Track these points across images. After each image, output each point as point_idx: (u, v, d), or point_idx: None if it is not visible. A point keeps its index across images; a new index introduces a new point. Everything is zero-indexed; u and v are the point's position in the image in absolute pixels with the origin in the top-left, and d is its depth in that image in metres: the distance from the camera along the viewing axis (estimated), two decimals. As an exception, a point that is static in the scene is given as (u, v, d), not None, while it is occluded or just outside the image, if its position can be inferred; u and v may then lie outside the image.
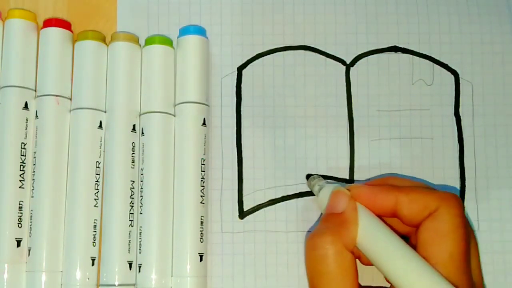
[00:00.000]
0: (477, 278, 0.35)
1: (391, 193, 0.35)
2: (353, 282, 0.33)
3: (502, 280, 0.40)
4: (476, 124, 0.42)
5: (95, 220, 0.38)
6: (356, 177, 0.41)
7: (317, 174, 0.40)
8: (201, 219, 0.39)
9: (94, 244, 0.38)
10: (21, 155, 0.38)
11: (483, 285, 0.36)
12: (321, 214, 0.38)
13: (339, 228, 0.34)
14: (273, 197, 0.41)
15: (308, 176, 0.40)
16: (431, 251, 0.33)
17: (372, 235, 0.34)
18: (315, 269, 0.33)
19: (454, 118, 0.42)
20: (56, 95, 0.39)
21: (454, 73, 0.42)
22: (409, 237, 0.36)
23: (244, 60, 0.42)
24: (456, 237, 0.33)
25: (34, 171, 0.38)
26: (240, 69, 0.42)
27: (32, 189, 0.38)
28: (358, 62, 0.43)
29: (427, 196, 0.34)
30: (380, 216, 0.35)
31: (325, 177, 0.41)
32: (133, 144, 0.39)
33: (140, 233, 0.38)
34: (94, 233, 0.38)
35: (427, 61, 0.43)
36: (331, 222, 0.34)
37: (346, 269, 0.33)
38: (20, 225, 0.38)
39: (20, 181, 0.38)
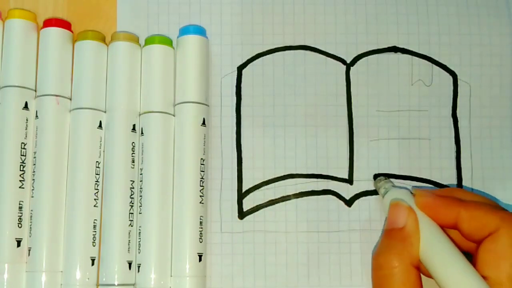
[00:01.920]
0: None
1: (453, 207, 0.35)
2: None
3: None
4: (472, 126, 0.42)
5: (95, 220, 0.38)
6: (355, 177, 0.41)
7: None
8: (200, 219, 0.39)
9: (94, 244, 0.38)
10: (21, 155, 0.39)
11: None
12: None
13: (403, 244, 0.34)
14: (273, 197, 0.41)
15: (375, 177, 0.41)
16: (489, 272, 0.33)
17: (432, 247, 0.34)
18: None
19: (451, 119, 0.42)
20: (56, 95, 0.39)
21: (453, 74, 0.42)
22: (473, 255, 0.35)
23: (244, 60, 0.42)
24: None
25: (34, 171, 0.39)
26: (240, 68, 0.42)
27: (32, 189, 0.38)
28: (358, 62, 0.43)
29: (488, 215, 0.34)
30: (442, 227, 0.35)
31: (325, 177, 0.41)
32: (133, 144, 0.39)
33: (140, 233, 0.39)
34: (94, 233, 0.38)
35: (426, 61, 0.43)
36: (394, 239, 0.35)
37: (412, 286, 0.33)
38: (20, 225, 0.38)
39: (20, 181, 0.38)
